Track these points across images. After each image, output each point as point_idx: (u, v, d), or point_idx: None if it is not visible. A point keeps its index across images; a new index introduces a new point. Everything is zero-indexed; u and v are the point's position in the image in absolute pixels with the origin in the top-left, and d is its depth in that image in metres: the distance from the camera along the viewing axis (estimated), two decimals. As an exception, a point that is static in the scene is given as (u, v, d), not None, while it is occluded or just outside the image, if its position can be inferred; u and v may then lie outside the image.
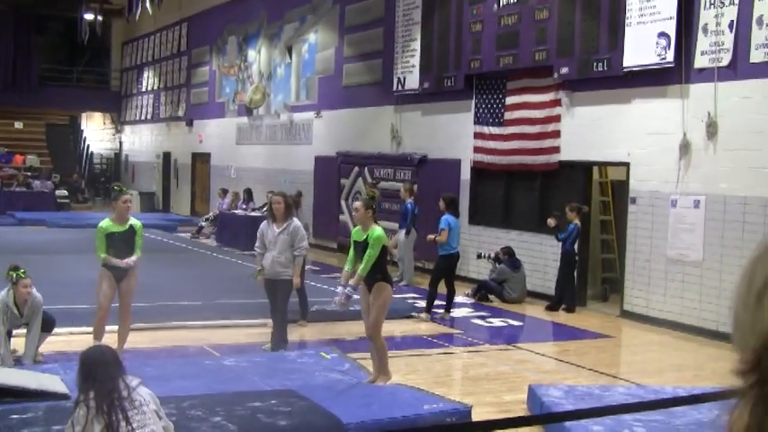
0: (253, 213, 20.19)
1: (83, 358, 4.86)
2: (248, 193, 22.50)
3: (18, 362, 8.55)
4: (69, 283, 11.66)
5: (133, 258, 8.94)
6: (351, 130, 20.19)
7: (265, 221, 10.23)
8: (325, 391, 7.55)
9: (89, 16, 32.96)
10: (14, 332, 8.79)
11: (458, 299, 13.39)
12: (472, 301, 14.11)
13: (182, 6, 29.68)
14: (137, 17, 33.27)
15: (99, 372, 4.82)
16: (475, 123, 16.06)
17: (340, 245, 19.62)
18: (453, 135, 16.67)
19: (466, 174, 16.36)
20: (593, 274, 14.57)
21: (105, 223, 9.05)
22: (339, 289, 8.72)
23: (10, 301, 8.52)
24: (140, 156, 34.72)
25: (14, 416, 6.42)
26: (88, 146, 37.87)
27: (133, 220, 9.19)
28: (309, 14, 22.16)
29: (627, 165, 13.10)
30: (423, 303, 12.82)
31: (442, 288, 12.65)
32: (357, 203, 8.66)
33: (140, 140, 34.94)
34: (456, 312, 12.95)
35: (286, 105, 23.30)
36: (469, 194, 16.21)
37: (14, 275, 8.49)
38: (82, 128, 38.35)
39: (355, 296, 8.60)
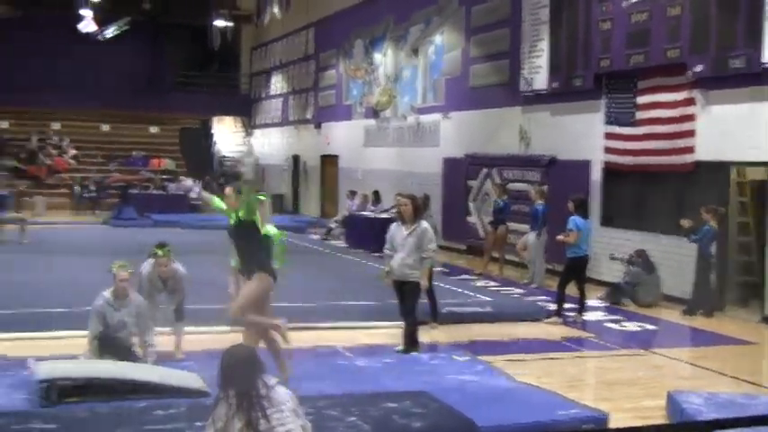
0: (381, 215, 20.29)
1: (223, 357, 4.95)
2: (376, 194, 22.66)
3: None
4: (201, 283, 11.92)
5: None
6: (478, 131, 20.11)
7: (395, 223, 10.29)
8: (459, 393, 7.51)
9: (219, 23, 33.82)
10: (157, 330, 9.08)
11: (590, 302, 13.17)
12: (605, 304, 13.86)
13: (309, 11, 30.12)
14: (265, 23, 34.02)
15: (239, 370, 4.91)
16: (605, 123, 15.76)
17: (469, 246, 19.56)
18: (583, 135, 16.40)
19: (596, 174, 16.07)
20: (731, 278, 14.09)
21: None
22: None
23: (154, 275, 9.11)
24: (270, 158, 35.37)
25: (159, 411, 6.62)
26: (219, 149, 38.80)
27: (269, 227, 9.18)
28: (435, 16, 22.17)
29: (767, 164, 12.64)
30: (554, 306, 12.66)
31: (571, 290, 12.47)
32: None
33: (270, 143, 35.61)
34: (588, 315, 12.73)
35: (413, 107, 23.36)
36: (601, 196, 15.91)
37: (154, 252, 9.14)
38: (213, 132, 39.30)
39: None
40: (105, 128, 36.37)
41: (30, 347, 9.61)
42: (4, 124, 34.95)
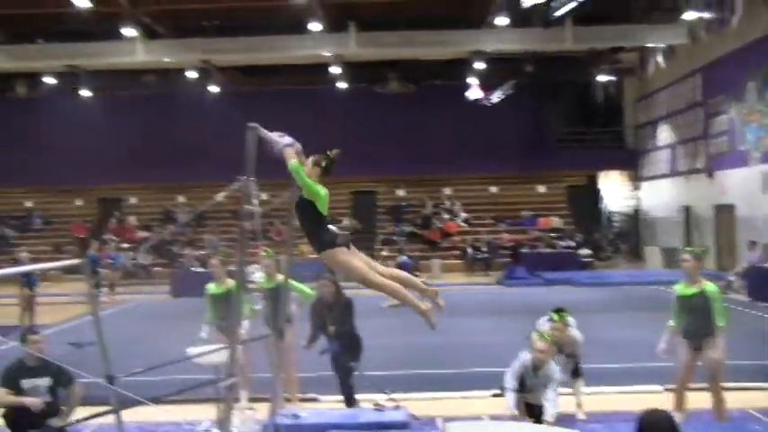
0: (787, 266, 18.98)
1: (640, 421, 4.85)
2: (780, 244, 21.28)
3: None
4: (601, 343, 11.77)
5: None
6: None
7: (806, 275, 9.55)
8: None
9: (602, 78, 33.78)
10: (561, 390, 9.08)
11: None
12: None
13: (694, 57, 29.19)
14: (649, 73, 33.50)
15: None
16: None
17: None
18: None
19: None
20: None
21: (676, 285, 9.03)
22: None
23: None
24: (658, 211, 34.47)
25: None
26: (606, 204, 38.52)
27: (704, 284, 8.91)
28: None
29: None
30: None
31: None
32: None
33: (658, 195, 34.72)
34: None
35: (816, 148, 21.73)
36: None
37: (554, 316, 9.13)
38: (599, 187, 39.12)
39: None
40: (493, 189, 37.53)
41: (438, 407, 10.01)
42: (401, 192, 37.28)
